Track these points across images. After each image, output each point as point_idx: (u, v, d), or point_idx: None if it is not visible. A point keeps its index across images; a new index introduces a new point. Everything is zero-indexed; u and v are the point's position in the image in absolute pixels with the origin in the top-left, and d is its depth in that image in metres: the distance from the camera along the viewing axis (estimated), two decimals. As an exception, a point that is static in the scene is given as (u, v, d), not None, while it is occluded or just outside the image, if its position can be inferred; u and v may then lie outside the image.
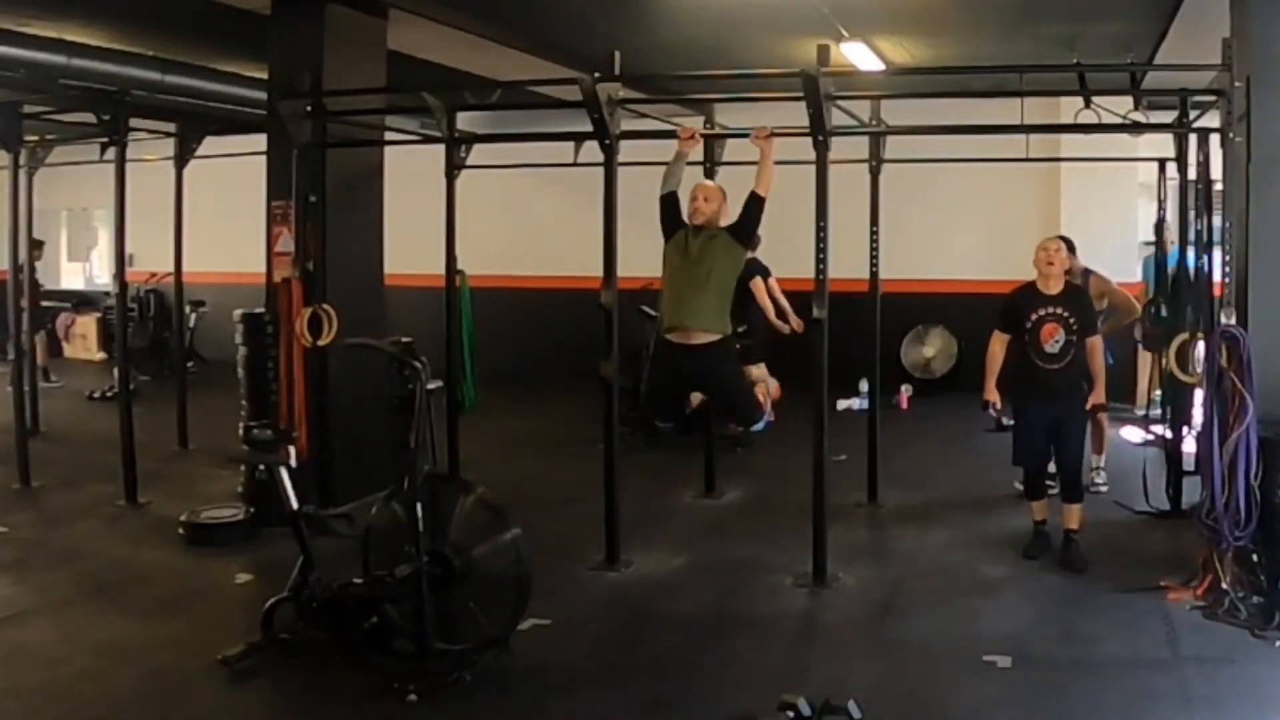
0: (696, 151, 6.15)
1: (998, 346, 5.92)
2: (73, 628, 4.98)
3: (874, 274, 7.12)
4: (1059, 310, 5.75)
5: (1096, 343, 5.86)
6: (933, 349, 11.28)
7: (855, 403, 9.86)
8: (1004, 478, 7.23)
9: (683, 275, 5.60)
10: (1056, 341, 5.70)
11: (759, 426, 5.87)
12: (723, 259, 5.60)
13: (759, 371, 9.35)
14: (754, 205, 5.59)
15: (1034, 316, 5.75)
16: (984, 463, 7.41)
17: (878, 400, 7.41)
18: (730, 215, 5.72)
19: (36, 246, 11.77)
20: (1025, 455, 6.02)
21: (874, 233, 7.08)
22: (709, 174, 7.25)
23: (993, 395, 6.00)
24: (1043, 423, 5.85)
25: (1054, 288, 5.82)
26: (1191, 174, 6.04)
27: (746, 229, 5.65)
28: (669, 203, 5.76)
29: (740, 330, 8.99)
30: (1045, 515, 6.06)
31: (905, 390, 10.84)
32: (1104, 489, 7.02)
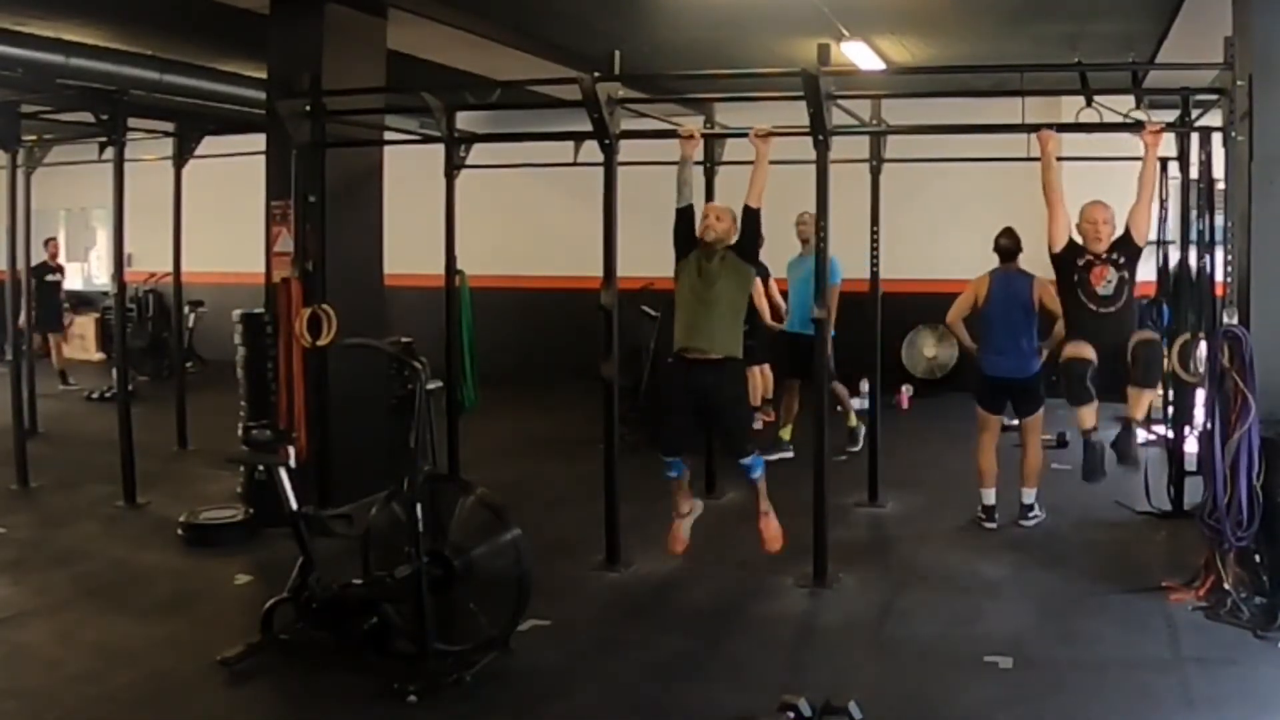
0: (697, 152, 6.14)
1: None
2: (71, 629, 4.96)
3: (874, 274, 7.10)
4: (1109, 255, 5.50)
5: None
6: (934, 349, 11.29)
7: (856, 403, 9.82)
8: (1006, 478, 7.22)
9: (694, 298, 5.54)
10: (1109, 282, 5.45)
11: (757, 474, 5.63)
12: (732, 279, 5.55)
13: (759, 373, 9.37)
14: (750, 220, 5.54)
15: (1081, 262, 5.51)
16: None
17: (878, 400, 7.39)
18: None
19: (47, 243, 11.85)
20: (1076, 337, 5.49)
21: (874, 232, 7.06)
22: (709, 174, 7.25)
23: None
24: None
25: (1102, 248, 5.54)
26: (1194, 173, 6.03)
27: (748, 246, 5.59)
28: (686, 217, 5.68)
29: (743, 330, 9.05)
30: (1096, 422, 5.48)
31: (906, 390, 10.84)
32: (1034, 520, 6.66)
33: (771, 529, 5.71)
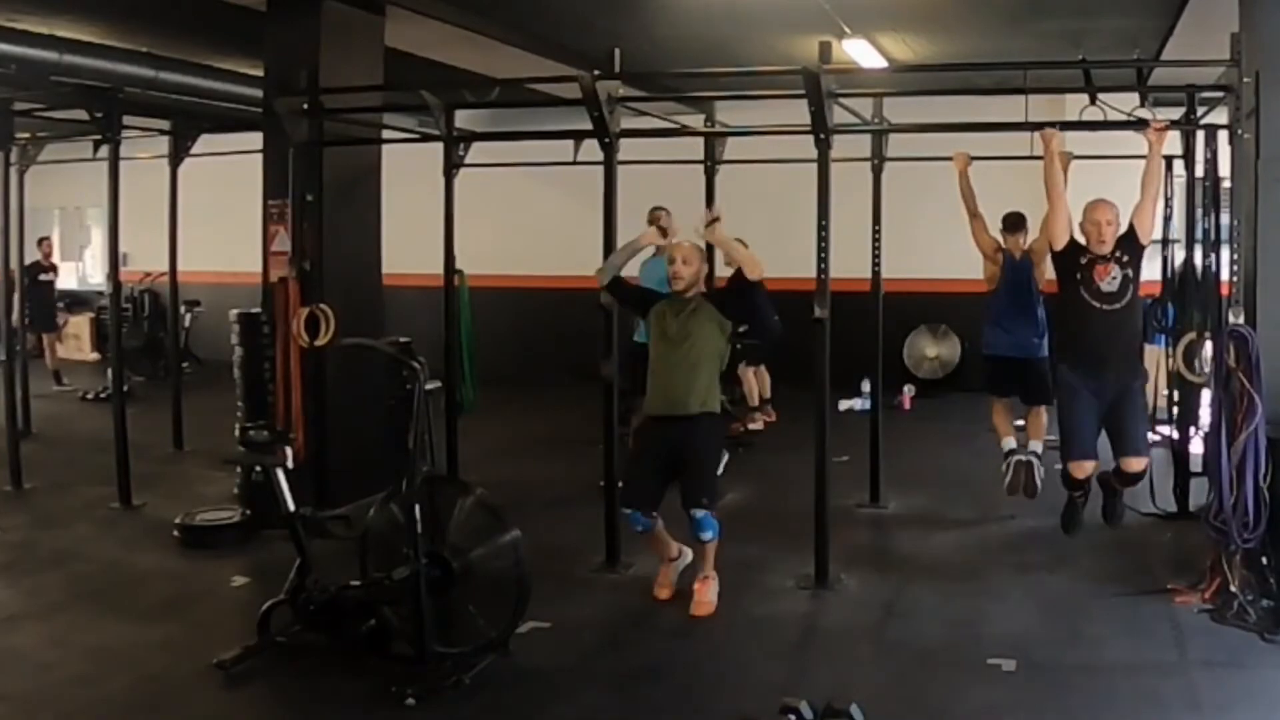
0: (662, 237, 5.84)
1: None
2: (64, 632, 4.92)
3: (876, 273, 7.07)
4: (1112, 254, 5.35)
5: None
6: (936, 349, 11.27)
7: (857, 403, 9.81)
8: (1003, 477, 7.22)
9: (667, 358, 5.16)
10: (1113, 279, 5.29)
11: (708, 536, 5.15)
12: (708, 334, 5.17)
13: (753, 374, 9.31)
14: (744, 289, 5.15)
15: (1084, 260, 5.37)
16: (988, 463, 7.34)
17: (880, 400, 7.35)
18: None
19: (40, 242, 11.78)
20: (1075, 448, 5.42)
21: (876, 232, 7.03)
22: (709, 173, 7.21)
23: None
24: (1095, 405, 5.36)
25: (1106, 250, 5.36)
26: (1199, 171, 6.00)
27: (730, 313, 5.23)
28: (618, 289, 5.42)
29: (740, 330, 8.99)
30: (1087, 474, 5.57)
31: (908, 390, 10.82)
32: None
33: (706, 594, 5.19)
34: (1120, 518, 5.83)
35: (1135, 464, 5.40)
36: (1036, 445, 6.81)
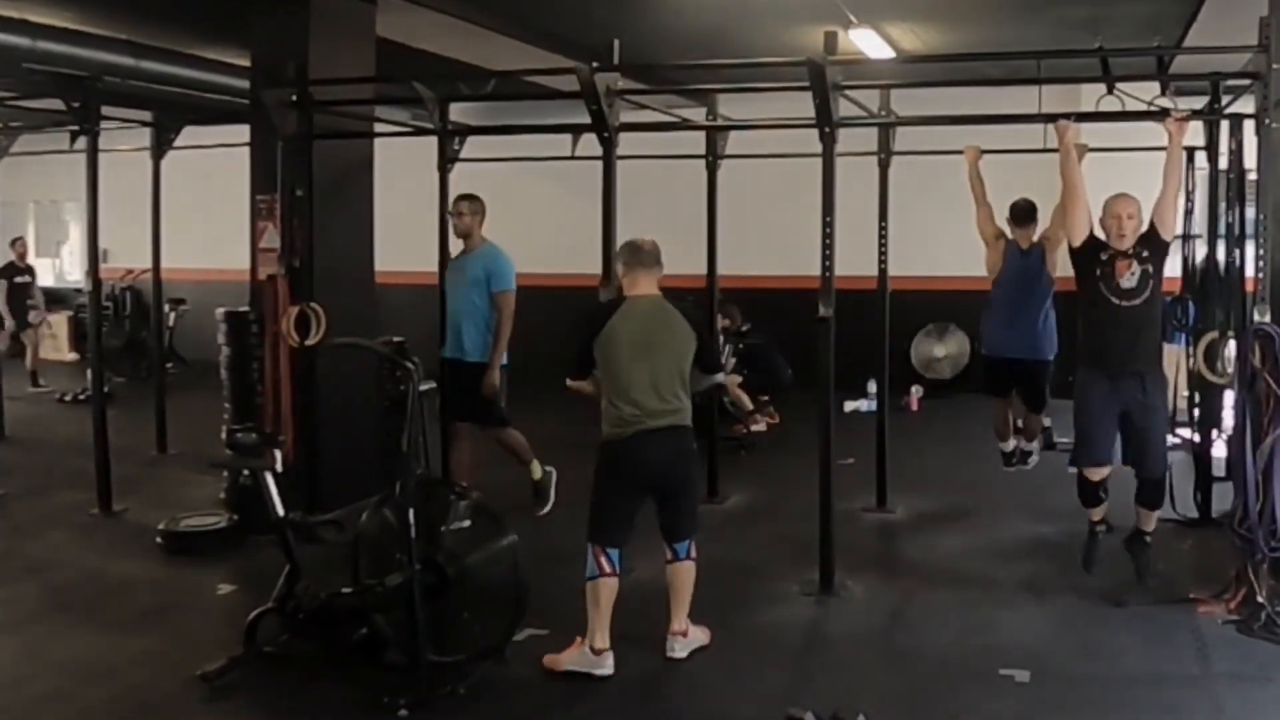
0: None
1: None
2: (40, 644, 4.82)
3: (883, 271, 6.94)
4: (1133, 250, 5.25)
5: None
6: (944, 349, 11.20)
7: (863, 404, 9.76)
8: (1016, 480, 7.10)
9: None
10: (1133, 274, 5.18)
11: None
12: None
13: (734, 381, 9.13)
14: None
15: (1104, 256, 5.27)
16: (998, 467, 7.28)
17: (886, 402, 7.24)
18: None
19: (14, 242, 11.61)
20: (1090, 452, 5.31)
21: (883, 228, 6.90)
22: (711, 168, 7.09)
23: None
24: (1114, 406, 5.20)
25: (1126, 245, 5.26)
26: (1223, 163, 5.91)
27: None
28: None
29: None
30: (1104, 515, 5.50)
31: (915, 391, 10.76)
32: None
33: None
34: (1149, 569, 5.41)
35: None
36: (1029, 447, 7.09)
